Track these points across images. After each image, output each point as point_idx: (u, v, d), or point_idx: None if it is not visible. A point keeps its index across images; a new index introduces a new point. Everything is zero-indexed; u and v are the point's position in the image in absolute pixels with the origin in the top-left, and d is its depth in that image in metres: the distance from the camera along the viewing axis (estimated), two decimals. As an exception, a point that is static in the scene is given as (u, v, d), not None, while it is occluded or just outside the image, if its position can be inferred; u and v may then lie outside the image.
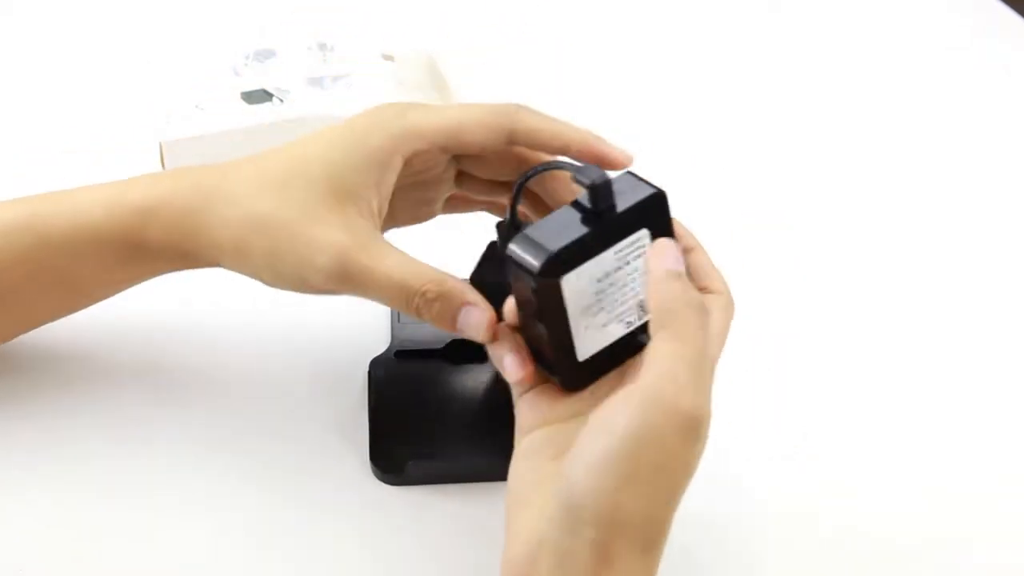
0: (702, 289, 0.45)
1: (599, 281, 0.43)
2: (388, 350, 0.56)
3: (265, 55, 0.71)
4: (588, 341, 0.44)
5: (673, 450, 0.38)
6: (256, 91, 0.68)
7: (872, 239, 0.67)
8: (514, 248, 0.42)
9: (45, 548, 0.48)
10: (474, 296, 0.46)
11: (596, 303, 0.43)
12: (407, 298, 0.46)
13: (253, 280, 0.49)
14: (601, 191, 0.42)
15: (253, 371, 0.56)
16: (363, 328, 0.58)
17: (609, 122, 0.74)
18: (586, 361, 0.44)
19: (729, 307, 0.46)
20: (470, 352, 0.56)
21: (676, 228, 0.45)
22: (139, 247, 0.50)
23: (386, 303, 0.47)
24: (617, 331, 0.44)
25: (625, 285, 0.44)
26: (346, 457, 0.52)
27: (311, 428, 0.54)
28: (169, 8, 0.82)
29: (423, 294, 0.46)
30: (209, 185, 0.49)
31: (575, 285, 0.42)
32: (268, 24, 0.80)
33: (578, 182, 0.42)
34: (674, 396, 0.38)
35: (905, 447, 0.55)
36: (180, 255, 0.50)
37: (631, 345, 0.45)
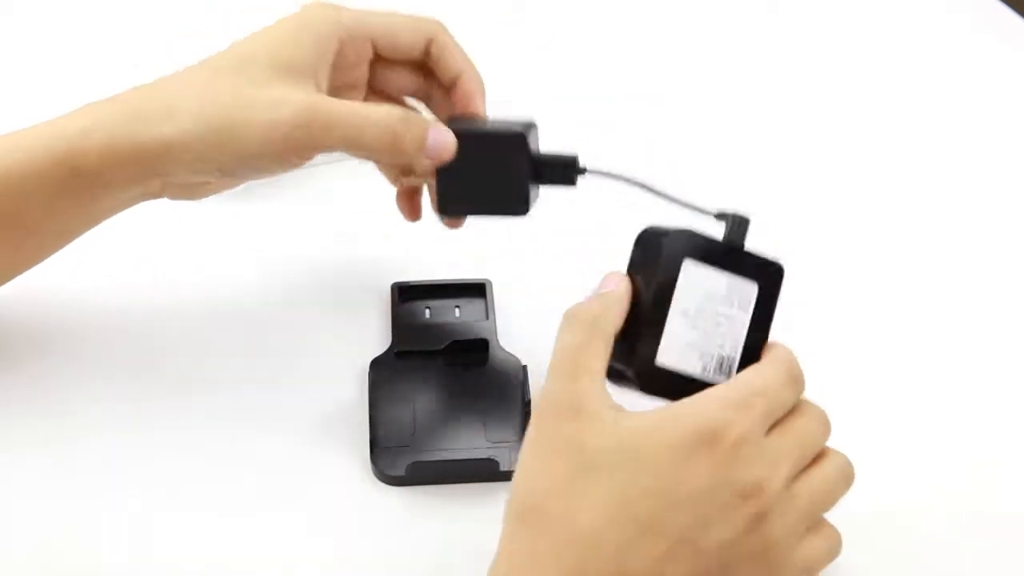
0: None
1: (706, 298, 0.44)
2: (388, 350, 0.56)
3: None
4: (672, 347, 0.44)
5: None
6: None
7: (872, 239, 0.67)
8: (662, 226, 0.45)
9: (43, 549, 0.48)
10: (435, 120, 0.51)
11: (694, 316, 0.44)
12: (384, 126, 0.48)
13: (206, 179, 0.50)
14: (740, 225, 0.46)
15: (252, 371, 0.56)
16: (363, 328, 0.58)
17: (608, 121, 0.75)
18: (661, 369, 0.44)
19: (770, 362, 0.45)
20: (470, 352, 0.56)
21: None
22: (79, 168, 0.49)
23: (356, 142, 0.48)
24: (694, 365, 0.45)
25: (720, 325, 0.45)
26: (346, 457, 0.52)
27: (310, 429, 0.54)
28: (169, 8, 0.82)
29: (403, 118, 0.48)
30: (150, 93, 0.50)
31: (691, 277, 0.44)
32: (268, 24, 0.80)
33: (719, 218, 0.46)
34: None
35: (905, 447, 0.55)
36: (122, 165, 0.49)
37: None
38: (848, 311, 0.62)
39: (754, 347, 0.46)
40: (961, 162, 0.74)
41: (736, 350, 0.45)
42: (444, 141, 0.50)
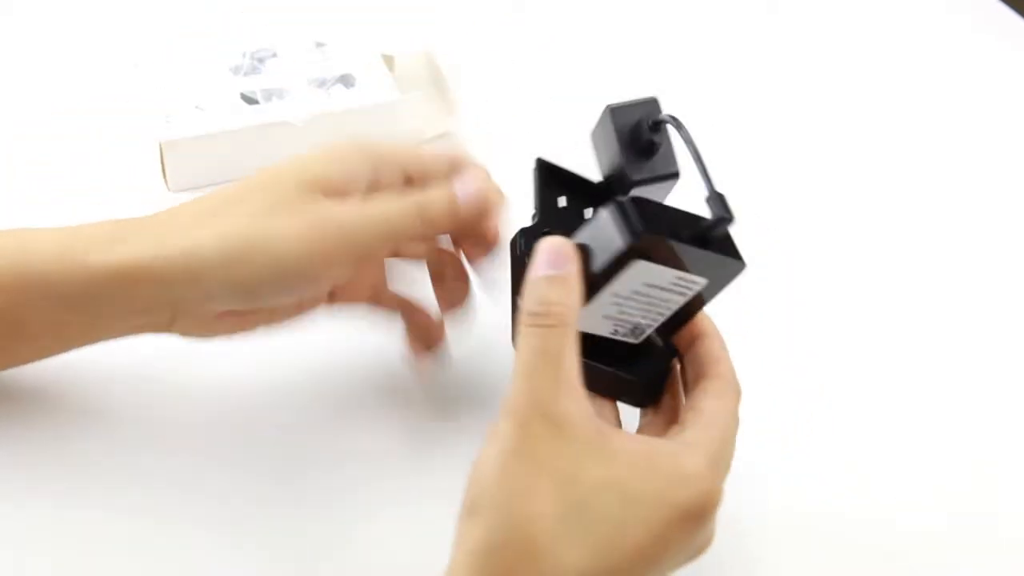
0: (703, 376, 0.46)
1: (646, 286, 0.43)
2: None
3: (265, 55, 0.71)
4: (589, 317, 0.43)
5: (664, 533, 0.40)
6: (256, 91, 0.68)
7: (872, 239, 0.67)
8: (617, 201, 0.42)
9: (47, 554, 0.48)
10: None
11: (625, 299, 0.43)
12: (408, 203, 0.47)
13: (223, 304, 0.47)
14: (720, 222, 0.43)
15: (255, 374, 0.56)
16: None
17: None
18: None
19: (728, 393, 0.45)
20: None
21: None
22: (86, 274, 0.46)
23: (387, 232, 0.46)
24: (604, 329, 0.44)
25: (650, 305, 0.44)
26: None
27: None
28: (169, 8, 0.82)
29: (422, 194, 0.47)
30: (173, 212, 0.47)
31: (639, 270, 0.42)
32: (268, 24, 0.80)
33: (708, 201, 0.43)
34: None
35: (904, 448, 0.55)
36: (135, 281, 0.46)
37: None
38: (848, 311, 0.62)
39: (684, 316, 0.45)
40: (961, 162, 0.74)
41: (656, 322, 0.45)
42: (474, 183, 0.47)
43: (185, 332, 0.49)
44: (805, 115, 0.78)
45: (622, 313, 0.44)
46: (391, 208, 0.47)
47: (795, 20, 0.87)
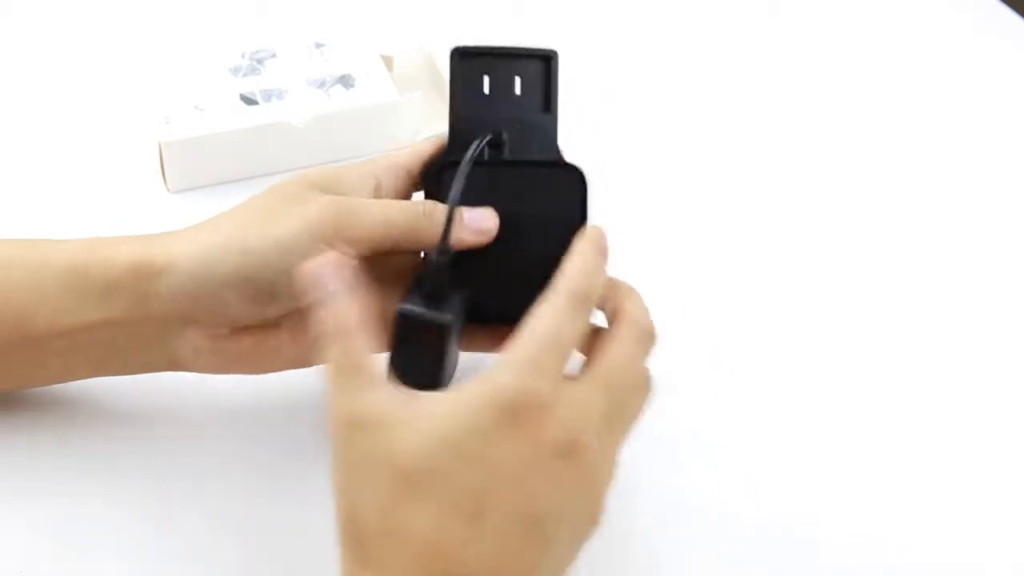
0: None
1: None
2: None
3: (264, 56, 0.71)
4: None
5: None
6: (255, 92, 0.68)
7: (873, 239, 0.67)
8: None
9: (47, 553, 0.48)
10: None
11: None
12: (412, 204, 0.48)
13: (230, 304, 0.47)
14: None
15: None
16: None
17: (608, 125, 0.75)
18: None
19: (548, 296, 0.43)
20: None
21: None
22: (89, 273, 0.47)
23: (386, 223, 0.47)
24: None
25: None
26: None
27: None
28: (168, 9, 0.82)
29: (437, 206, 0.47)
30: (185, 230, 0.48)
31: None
32: (267, 24, 0.80)
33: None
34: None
35: (905, 448, 0.55)
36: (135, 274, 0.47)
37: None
38: (848, 310, 0.62)
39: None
40: (962, 162, 0.74)
41: None
42: (480, 218, 0.48)
43: (199, 355, 0.49)
44: (807, 116, 0.77)
45: None
46: (395, 202, 0.48)
47: (797, 22, 0.87)
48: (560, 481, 0.39)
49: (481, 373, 0.40)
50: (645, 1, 0.88)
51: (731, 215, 0.68)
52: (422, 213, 0.47)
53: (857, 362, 0.59)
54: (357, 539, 0.40)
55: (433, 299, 0.45)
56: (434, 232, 0.46)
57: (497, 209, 0.47)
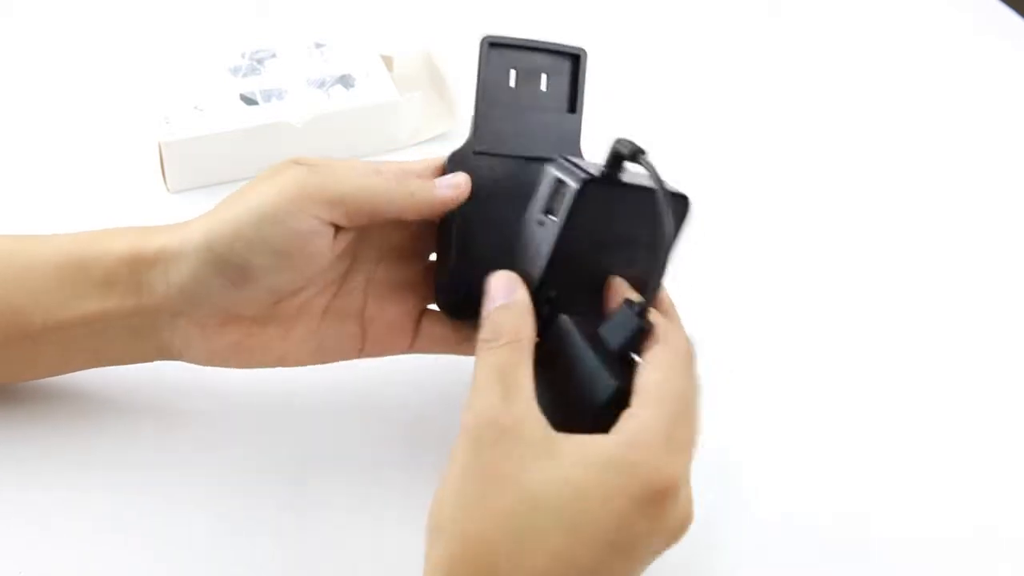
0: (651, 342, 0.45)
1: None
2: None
3: (264, 56, 0.71)
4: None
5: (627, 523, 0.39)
6: (255, 92, 0.68)
7: (873, 240, 0.67)
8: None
9: (48, 550, 0.48)
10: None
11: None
12: (396, 178, 0.47)
13: (216, 282, 0.47)
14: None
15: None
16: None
17: (608, 125, 0.75)
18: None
19: (674, 361, 0.44)
20: None
21: None
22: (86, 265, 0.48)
23: (363, 198, 0.46)
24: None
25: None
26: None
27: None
28: (168, 9, 0.82)
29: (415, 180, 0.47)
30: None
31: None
32: (267, 24, 0.80)
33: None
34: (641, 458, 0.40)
35: (905, 448, 0.55)
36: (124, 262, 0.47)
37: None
38: (848, 309, 0.62)
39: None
40: (962, 162, 0.74)
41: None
42: (455, 178, 0.48)
43: (189, 345, 0.49)
44: (807, 116, 0.77)
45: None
46: (372, 165, 0.48)
47: (797, 22, 0.87)
48: (662, 544, 0.41)
49: (624, 427, 0.40)
50: (645, 1, 0.88)
51: (731, 214, 0.68)
52: (398, 183, 0.47)
53: (857, 362, 0.59)
54: (467, 546, 0.40)
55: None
56: (405, 196, 0.46)
57: (601, 226, 0.46)
